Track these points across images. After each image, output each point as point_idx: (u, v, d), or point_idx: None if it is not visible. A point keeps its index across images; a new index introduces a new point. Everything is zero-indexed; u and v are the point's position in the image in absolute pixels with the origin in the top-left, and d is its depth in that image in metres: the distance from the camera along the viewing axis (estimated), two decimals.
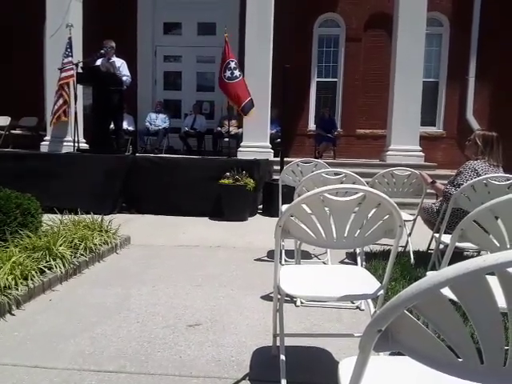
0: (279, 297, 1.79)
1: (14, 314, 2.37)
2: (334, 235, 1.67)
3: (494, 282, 0.64)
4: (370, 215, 1.63)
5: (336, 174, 2.96)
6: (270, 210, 5.65)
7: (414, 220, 3.66)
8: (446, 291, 0.64)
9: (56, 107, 7.37)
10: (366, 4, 9.43)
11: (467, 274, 0.60)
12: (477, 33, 9.14)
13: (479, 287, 0.63)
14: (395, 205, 1.53)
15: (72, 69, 7.19)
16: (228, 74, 6.77)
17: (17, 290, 2.46)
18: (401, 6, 7.43)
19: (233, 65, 6.84)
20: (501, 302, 0.65)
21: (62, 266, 2.91)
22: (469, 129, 8.61)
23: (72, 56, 7.39)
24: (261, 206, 6.04)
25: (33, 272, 2.67)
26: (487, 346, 0.66)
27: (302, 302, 2.58)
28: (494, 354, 0.66)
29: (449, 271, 0.61)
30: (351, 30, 9.56)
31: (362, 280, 1.76)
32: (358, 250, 2.99)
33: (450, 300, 0.66)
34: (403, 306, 0.65)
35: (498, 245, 1.61)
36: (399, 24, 7.47)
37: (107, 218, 4.03)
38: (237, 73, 6.86)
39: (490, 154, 3.18)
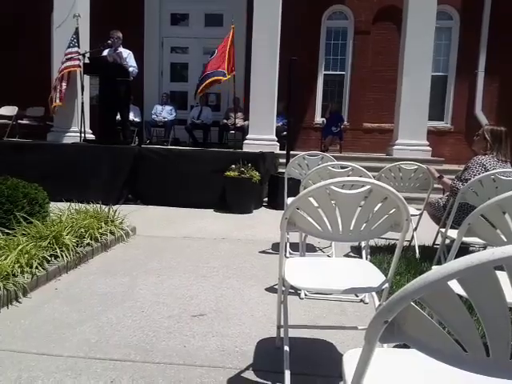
0: (284, 289, 1.79)
1: (20, 302, 2.40)
2: (340, 228, 1.67)
3: (501, 277, 0.63)
4: (376, 209, 1.62)
5: (342, 167, 2.95)
6: (276, 203, 5.65)
7: (420, 215, 3.65)
8: (453, 285, 0.64)
9: (58, 94, 7.42)
10: None
11: (475, 266, 0.60)
12: (487, 26, 9.01)
13: (487, 280, 0.63)
14: (402, 198, 1.52)
15: (78, 59, 7.20)
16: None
17: (23, 278, 2.49)
18: None
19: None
20: (508, 295, 0.64)
21: (68, 255, 2.94)
22: (477, 124, 8.53)
23: (78, 46, 7.40)
24: (266, 199, 6.04)
25: (39, 260, 2.69)
26: (494, 339, 0.66)
27: (306, 295, 2.59)
28: (501, 347, 0.66)
29: (456, 264, 0.61)
30: (360, 23, 9.46)
31: (367, 273, 1.75)
32: (362, 244, 2.99)
33: (457, 294, 0.66)
34: (410, 298, 0.65)
35: (506, 239, 1.60)
36: (408, 17, 7.39)
37: (113, 208, 4.04)
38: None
39: (498, 149, 3.15)
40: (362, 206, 1.65)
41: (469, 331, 0.67)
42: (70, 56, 7.33)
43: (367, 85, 9.53)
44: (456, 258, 0.64)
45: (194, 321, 2.24)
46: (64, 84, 7.39)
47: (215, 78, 7.06)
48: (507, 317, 0.65)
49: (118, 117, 6.91)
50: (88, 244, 3.26)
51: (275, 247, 3.71)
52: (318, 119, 9.70)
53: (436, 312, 0.68)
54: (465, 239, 1.76)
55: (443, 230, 2.79)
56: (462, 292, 0.65)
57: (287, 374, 1.62)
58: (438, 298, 0.66)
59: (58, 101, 7.43)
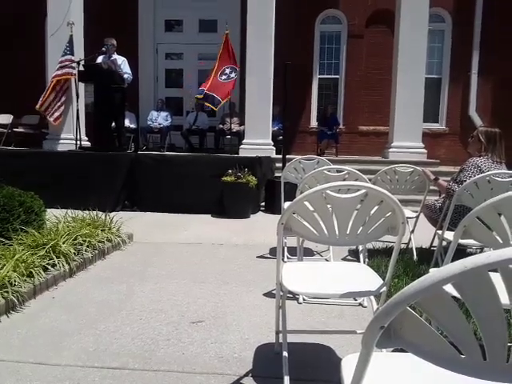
0: (282, 294, 1.79)
1: (17, 311, 2.38)
2: (337, 232, 1.67)
3: (496, 279, 0.64)
4: (372, 212, 1.63)
5: (338, 171, 2.96)
6: (273, 208, 5.65)
7: (417, 217, 3.66)
8: (449, 288, 0.64)
9: (55, 104, 7.41)
10: (368, 0, 9.40)
11: (470, 270, 0.60)
12: (479, 28, 9.09)
13: (482, 284, 0.63)
14: (398, 201, 1.53)
15: (71, 67, 7.21)
16: (224, 76, 7.19)
17: (20, 287, 2.47)
18: (403, 1, 7.40)
19: (228, 70, 7.19)
20: (503, 298, 0.65)
21: (65, 264, 2.93)
22: (472, 125, 8.58)
23: (72, 54, 7.40)
24: (263, 204, 6.05)
25: (36, 269, 2.68)
26: (490, 342, 0.66)
27: (304, 299, 2.59)
28: (497, 350, 0.66)
29: (452, 268, 0.61)
30: (353, 27, 9.53)
31: (365, 277, 1.76)
32: (360, 247, 2.99)
33: (453, 297, 0.66)
34: (406, 303, 0.65)
35: (501, 241, 1.61)
36: (401, 20, 7.44)
37: (110, 215, 4.03)
38: (233, 75, 7.25)
39: (493, 150, 3.16)
40: (358, 209, 1.65)
41: (465, 335, 0.67)
42: (62, 64, 7.33)
43: (362, 88, 9.57)
44: (453, 260, 0.64)
45: (192, 327, 2.23)
46: (49, 92, 7.39)
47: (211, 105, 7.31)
48: (503, 320, 0.65)
49: (114, 123, 6.91)
50: (85, 252, 3.24)
51: (273, 252, 3.71)
52: (314, 123, 9.74)
53: (432, 316, 0.68)
54: (462, 241, 1.77)
55: (440, 232, 2.79)
56: (458, 295, 0.65)
57: (286, 379, 1.62)
58: (434, 302, 0.66)
59: (39, 105, 7.44)
